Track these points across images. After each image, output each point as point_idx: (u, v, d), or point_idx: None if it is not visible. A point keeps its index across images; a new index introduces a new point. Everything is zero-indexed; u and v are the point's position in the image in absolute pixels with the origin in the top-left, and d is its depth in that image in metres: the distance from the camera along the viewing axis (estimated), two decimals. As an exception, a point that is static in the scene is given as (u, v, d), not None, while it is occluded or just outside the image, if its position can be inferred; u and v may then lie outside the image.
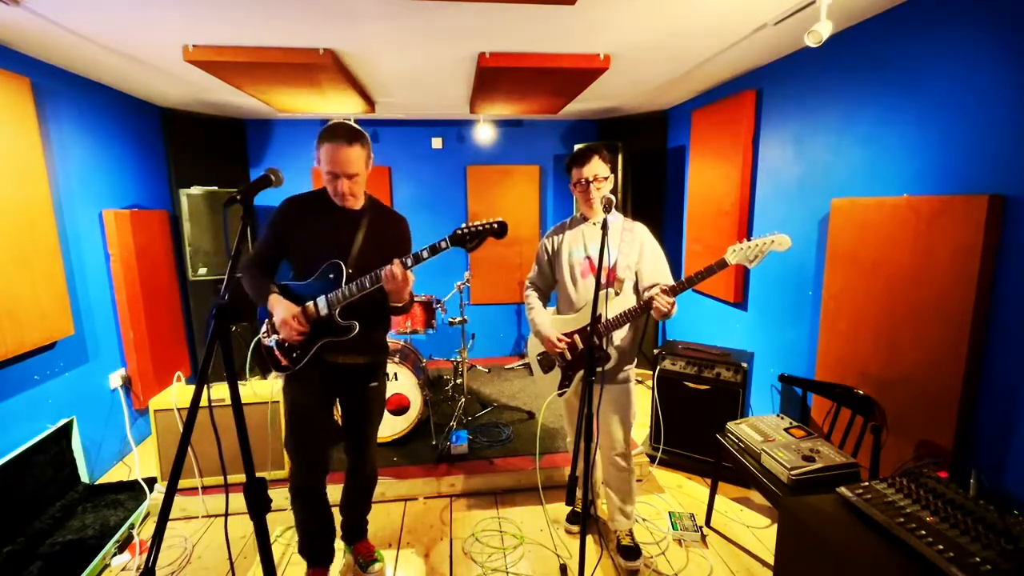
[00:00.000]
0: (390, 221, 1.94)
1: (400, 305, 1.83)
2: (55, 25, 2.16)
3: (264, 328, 1.86)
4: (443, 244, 1.69)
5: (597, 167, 1.97)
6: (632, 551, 2.17)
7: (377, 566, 2.16)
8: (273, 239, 1.85)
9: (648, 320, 1.94)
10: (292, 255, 1.86)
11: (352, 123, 1.76)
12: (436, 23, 2.22)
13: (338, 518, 2.23)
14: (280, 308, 1.72)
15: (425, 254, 1.70)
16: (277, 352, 1.83)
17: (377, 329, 1.96)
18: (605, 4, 2.02)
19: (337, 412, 2.11)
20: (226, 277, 1.18)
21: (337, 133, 1.68)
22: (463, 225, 1.70)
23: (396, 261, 1.67)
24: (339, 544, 2.30)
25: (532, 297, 2.20)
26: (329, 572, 2.11)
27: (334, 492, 2.44)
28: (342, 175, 1.72)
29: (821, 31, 1.94)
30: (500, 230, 1.69)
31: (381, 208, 1.94)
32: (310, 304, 1.76)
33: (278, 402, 2.57)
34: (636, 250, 2.03)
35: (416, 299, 3.30)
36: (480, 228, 1.69)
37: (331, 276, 1.76)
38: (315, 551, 2.05)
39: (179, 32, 2.29)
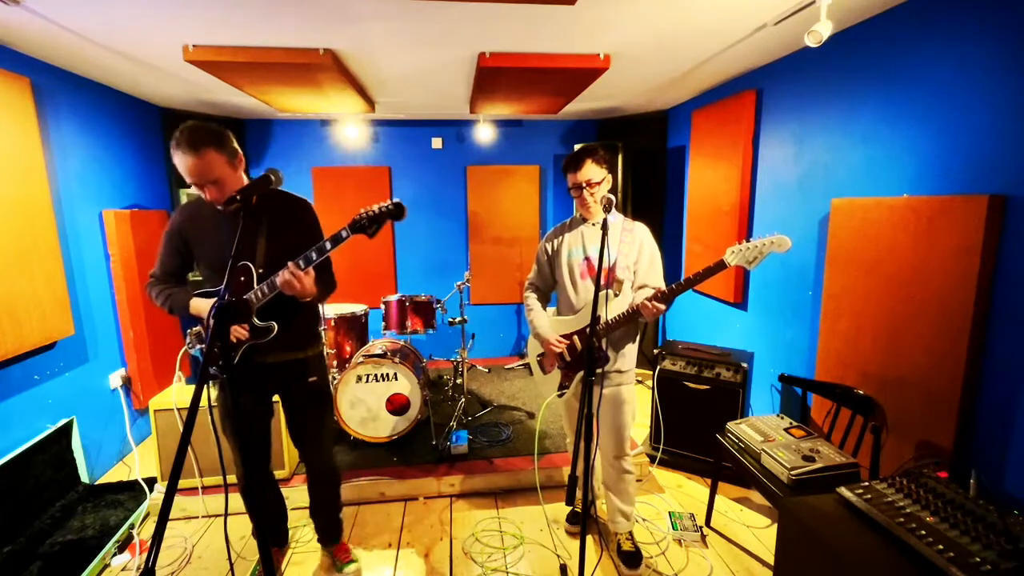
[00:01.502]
0: (291, 211, 1.86)
1: (309, 300, 1.79)
2: (55, 25, 2.16)
3: (188, 339, 1.84)
4: (344, 233, 1.66)
5: (590, 172, 1.96)
6: (633, 557, 2.16)
7: (353, 567, 2.14)
8: (173, 251, 1.82)
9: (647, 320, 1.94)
10: (196, 265, 1.83)
11: (208, 124, 1.64)
12: (436, 23, 2.22)
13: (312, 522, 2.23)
14: (207, 308, 1.71)
15: (328, 246, 1.67)
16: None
17: (301, 323, 1.90)
18: (605, 4, 2.02)
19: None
20: (226, 277, 1.18)
21: (180, 140, 1.57)
22: (362, 211, 1.66)
23: (289, 265, 1.63)
24: (317, 545, 2.28)
25: (531, 299, 2.20)
26: (285, 554, 2.21)
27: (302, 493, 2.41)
28: (200, 184, 1.63)
29: (821, 31, 1.94)
30: (396, 210, 1.66)
31: (277, 199, 1.84)
32: (248, 297, 1.72)
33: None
34: (635, 250, 2.03)
35: (416, 299, 3.30)
36: (377, 212, 1.65)
37: (242, 279, 1.73)
38: (273, 531, 2.12)
39: (179, 32, 2.29)
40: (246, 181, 1.75)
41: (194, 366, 3.83)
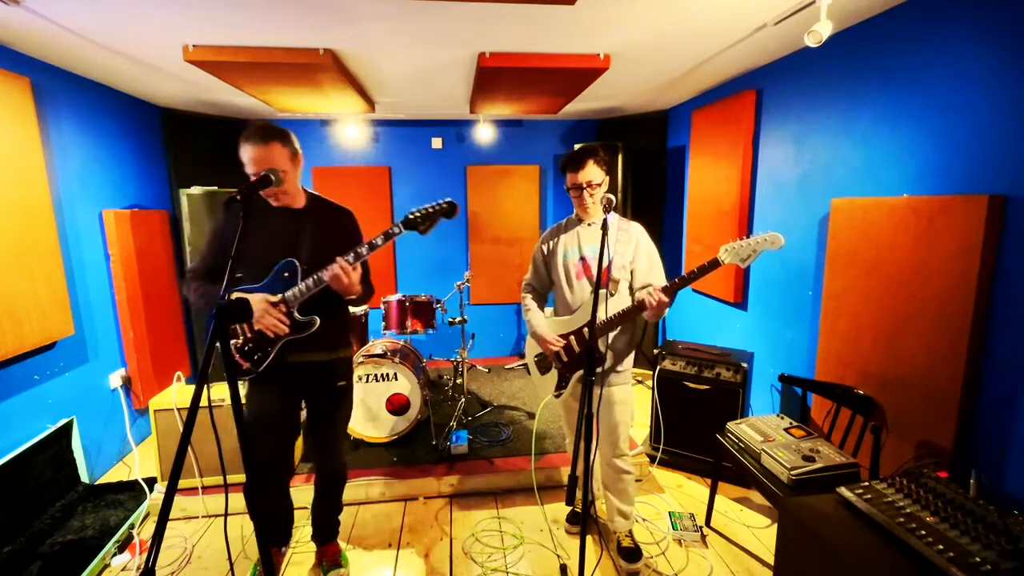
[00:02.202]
0: (335, 217, 1.93)
1: (354, 297, 1.83)
2: (55, 25, 2.16)
3: None
4: (396, 230, 1.71)
5: (591, 173, 1.96)
6: (633, 552, 2.17)
7: (341, 572, 2.14)
8: (218, 247, 1.83)
9: (645, 320, 1.93)
10: (240, 261, 1.84)
11: (271, 123, 1.77)
12: (436, 23, 2.22)
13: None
14: (252, 303, 1.69)
15: (379, 241, 1.72)
16: (237, 357, 1.80)
17: (337, 323, 1.95)
18: (605, 4, 2.02)
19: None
20: (226, 277, 1.18)
21: (250, 133, 1.70)
22: (414, 210, 1.72)
23: (339, 260, 1.68)
24: (312, 545, 2.27)
25: (528, 299, 2.21)
26: (284, 554, 2.22)
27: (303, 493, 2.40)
28: (259, 173, 1.68)
29: (821, 31, 1.94)
30: (450, 209, 1.73)
31: (325, 205, 1.93)
32: (287, 295, 1.74)
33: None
34: (631, 249, 2.03)
35: (416, 299, 3.30)
36: (431, 211, 1.72)
37: (286, 275, 1.76)
38: (274, 533, 2.12)
39: (179, 32, 2.29)
40: (300, 183, 1.84)
41: (193, 367, 3.84)
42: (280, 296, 1.73)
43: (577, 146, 3.59)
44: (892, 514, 1.42)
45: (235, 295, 1.75)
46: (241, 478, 1.18)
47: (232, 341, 1.80)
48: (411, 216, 1.71)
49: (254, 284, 1.79)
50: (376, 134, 4.49)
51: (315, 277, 1.72)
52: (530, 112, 4.05)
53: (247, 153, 1.69)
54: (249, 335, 1.77)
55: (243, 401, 1.90)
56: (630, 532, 2.24)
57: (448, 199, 1.72)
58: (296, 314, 1.76)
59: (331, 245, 1.77)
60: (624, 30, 2.32)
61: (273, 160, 1.70)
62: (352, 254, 1.71)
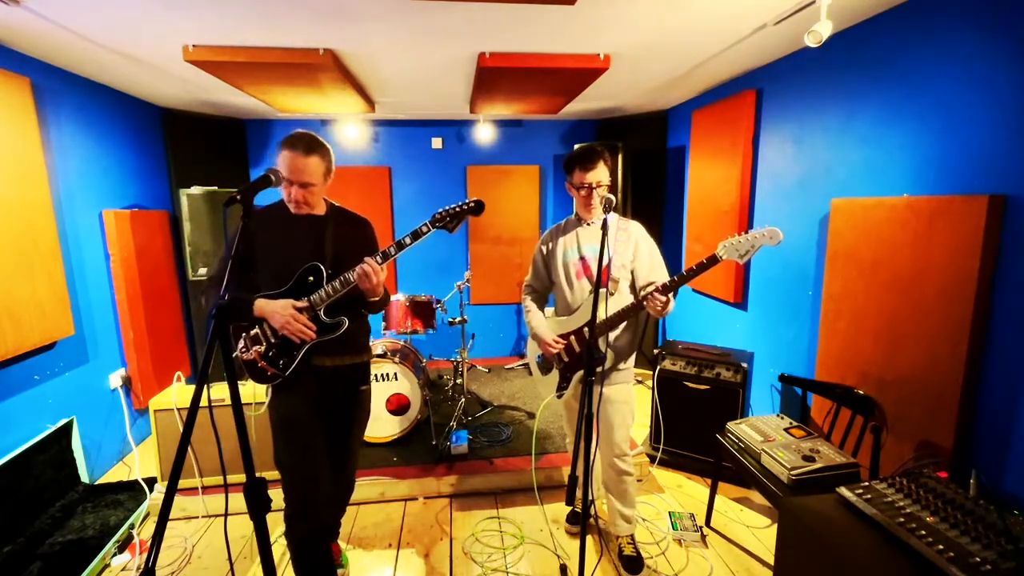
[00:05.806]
0: (354, 225, 1.95)
1: (377, 300, 1.83)
2: (55, 25, 2.16)
3: (241, 343, 1.80)
4: (424, 228, 1.72)
5: (602, 174, 1.97)
6: (634, 562, 2.15)
7: (341, 571, 2.13)
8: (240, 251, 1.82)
9: (647, 320, 1.93)
10: (259, 268, 1.83)
11: (316, 135, 1.77)
12: (436, 23, 2.22)
13: None
14: (276, 309, 1.69)
15: (407, 240, 1.71)
16: (262, 363, 1.78)
17: (360, 327, 1.95)
18: (605, 4, 2.02)
19: None
20: (226, 277, 1.18)
21: (296, 143, 1.71)
22: (442, 209, 1.73)
23: (367, 260, 1.69)
24: None
25: (528, 300, 2.21)
26: None
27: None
28: (296, 183, 1.72)
29: (821, 31, 1.94)
30: (477, 207, 1.75)
31: (344, 213, 1.95)
32: (312, 298, 1.73)
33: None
34: (631, 248, 2.03)
35: (416, 299, 3.30)
36: (458, 209, 1.74)
37: (311, 279, 1.76)
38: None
39: (179, 32, 2.29)
40: (323, 198, 1.86)
41: (194, 367, 3.84)
42: (306, 301, 1.73)
43: (578, 146, 3.59)
44: (892, 514, 1.42)
45: (257, 299, 1.74)
46: (241, 478, 1.18)
47: (256, 347, 1.78)
48: (439, 215, 1.73)
49: (278, 289, 1.77)
50: (376, 134, 4.49)
51: (343, 278, 1.72)
52: (530, 112, 4.05)
53: (286, 159, 1.70)
54: (274, 340, 1.76)
55: (268, 410, 1.87)
56: (632, 538, 2.22)
57: (475, 198, 1.74)
58: (323, 316, 1.76)
59: (351, 252, 1.78)
60: (624, 30, 2.32)
61: (309, 173, 1.72)
62: (380, 254, 1.71)
